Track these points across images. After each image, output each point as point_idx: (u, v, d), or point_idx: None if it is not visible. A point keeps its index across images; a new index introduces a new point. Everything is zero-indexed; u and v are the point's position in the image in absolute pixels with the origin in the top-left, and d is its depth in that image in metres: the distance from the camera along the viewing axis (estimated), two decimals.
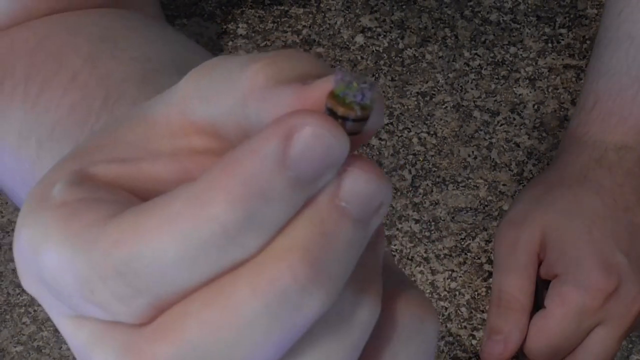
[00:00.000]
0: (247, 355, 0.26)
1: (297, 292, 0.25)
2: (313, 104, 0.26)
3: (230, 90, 0.28)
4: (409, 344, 0.29)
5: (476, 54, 0.87)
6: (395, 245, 0.79)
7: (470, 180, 0.82)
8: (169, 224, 0.25)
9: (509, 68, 0.87)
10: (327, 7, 0.89)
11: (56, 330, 0.75)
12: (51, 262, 0.27)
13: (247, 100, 0.27)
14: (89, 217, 0.27)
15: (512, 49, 0.88)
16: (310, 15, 0.89)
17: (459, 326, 0.76)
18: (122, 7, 0.57)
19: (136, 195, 0.29)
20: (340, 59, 0.86)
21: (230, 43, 0.87)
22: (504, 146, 0.83)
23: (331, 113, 0.26)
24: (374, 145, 0.83)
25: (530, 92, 0.85)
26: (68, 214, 0.27)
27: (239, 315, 0.25)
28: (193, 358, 0.26)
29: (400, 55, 0.87)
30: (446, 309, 0.77)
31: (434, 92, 0.85)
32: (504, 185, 0.81)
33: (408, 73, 0.86)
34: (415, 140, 0.83)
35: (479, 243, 0.79)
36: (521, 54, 0.87)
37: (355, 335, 0.27)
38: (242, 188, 0.25)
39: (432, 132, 0.84)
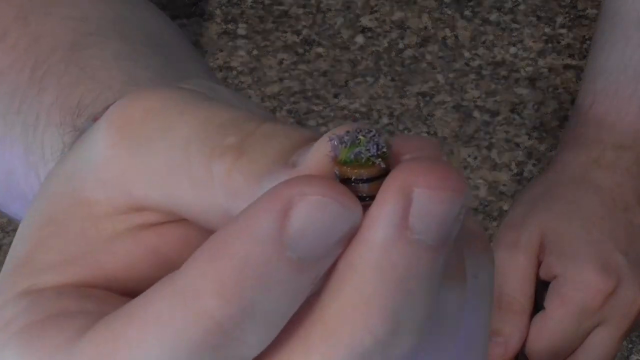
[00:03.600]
0: None
1: (381, 349, 0.22)
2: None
3: (192, 188, 0.24)
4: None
5: (476, 54, 0.87)
6: None
7: (470, 181, 0.82)
8: (154, 329, 0.22)
9: (509, 68, 0.87)
10: (327, 7, 0.89)
11: None
12: None
13: (222, 202, 0.24)
14: (55, 339, 0.23)
15: (512, 49, 0.88)
16: (310, 15, 0.89)
17: None
18: None
19: (110, 290, 0.25)
20: (340, 59, 0.86)
21: (230, 43, 0.87)
22: (504, 146, 0.83)
23: (343, 181, 0.22)
24: None
25: (530, 92, 0.85)
26: (29, 339, 0.23)
27: None
28: None
29: (400, 55, 0.87)
30: None
31: (434, 92, 0.85)
32: (504, 185, 0.81)
33: (408, 73, 0.86)
34: None
35: None
36: (521, 54, 0.87)
37: (444, 327, 0.24)
38: (235, 277, 0.21)
39: (432, 132, 0.84)
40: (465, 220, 0.23)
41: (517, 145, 0.83)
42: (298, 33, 0.88)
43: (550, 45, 0.88)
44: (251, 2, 0.89)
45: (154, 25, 0.44)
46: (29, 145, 0.38)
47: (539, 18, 0.89)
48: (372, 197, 0.22)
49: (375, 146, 0.22)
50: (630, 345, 0.77)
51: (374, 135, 0.22)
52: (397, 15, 0.89)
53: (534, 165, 0.82)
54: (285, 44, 0.87)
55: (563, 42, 0.88)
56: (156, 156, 0.24)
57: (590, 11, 0.90)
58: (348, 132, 0.23)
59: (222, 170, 0.23)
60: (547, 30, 0.89)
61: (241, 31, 0.88)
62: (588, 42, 0.88)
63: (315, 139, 0.23)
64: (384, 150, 0.22)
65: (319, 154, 0.23)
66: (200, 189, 0.24)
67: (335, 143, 0.22)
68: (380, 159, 0.22)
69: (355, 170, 0.22)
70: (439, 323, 0.23)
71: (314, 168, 0.22)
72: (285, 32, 0.88)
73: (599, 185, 0.73)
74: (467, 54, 0.87)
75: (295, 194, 0.21)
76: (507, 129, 0.84)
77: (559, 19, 0.89)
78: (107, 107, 0.27)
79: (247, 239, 0.21)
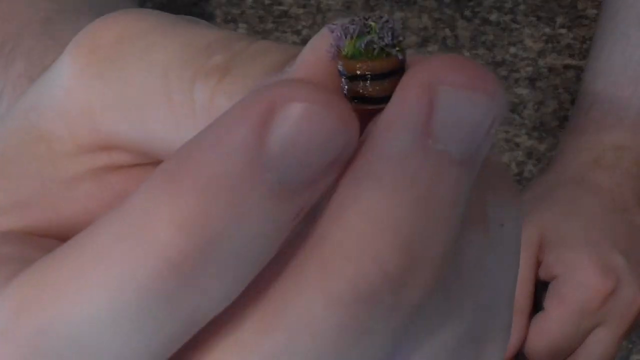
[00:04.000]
0: None
1: (390, 289, 0.17)
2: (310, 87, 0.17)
3: (171, 117, 0.20)
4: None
5: (476, 54, 0.87)
6: None
7: None
8: (93, 270, 0.17)
9: (509, 68, 0.86)
10: (327, 7, 0.89)
11: None
12: None
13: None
14: None
15: (512, 49, 0.87)
16: (310, 15, 0.89)
17: None
18: None
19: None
20: None
21: None
22: (504, 146, 0.83)
23: (351, 78, 0.18)
24: None
25: (530, 92, 0.85)
26: None
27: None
28: None
29: None
30: None
31: None
32: None
33: None
34: None
35: None
36: (521, 54, 0.87)
37: (463, 278, 0.20)
38: (197, 203, 0.16)
39: None
40: (491, 160, 0.20)
41: (517, 145, 0.83)
42: (298, 33, 0.88)
43: (550, 45, 0.88)
44: (251, 2, 0.89)
45: (128, 6, 0.39)
46: None
47: (539, 18, 0.89)
48: (386, 99, 0.18)
49: (390, 33, 0.18)
50: (630, 345, 0.77)
51: (387, 21, 0.18)
52: (397, 15, 0.89)
53: (534, 165, 0.82)
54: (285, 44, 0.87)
55: (563, 42, 0.88)
56: (130, 84, 0.20)
57: (590, 11, 0.89)
58: (353, 20, 0.18)
59: (204, 95, 0.19)
60: (547, 30, 0.88)
61: (241, 31, 0.88)
62: (588, 42, 0.87)
63: None
64: (400, 39, 0.18)
65: (316, 51, 0.18)
66: (180, 120, 0.20)
67: (339, 34, 0.18)
68: (397, 49, 0.18)
69: (368, 64, 0.18)
70: (458, 273, 0.20)
71: (311, 69, 0.18)
72: (285, 32, 0.88)
73: (599, 185, 0.73)
74: (467, 54, 0.87)
75: (279, 99, 0.17)
76: (507, 129, 0.84)
77: (559, 19, 0.89)
78: None
79: (216, 155, 0.17)
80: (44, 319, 0.17)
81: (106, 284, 0.17)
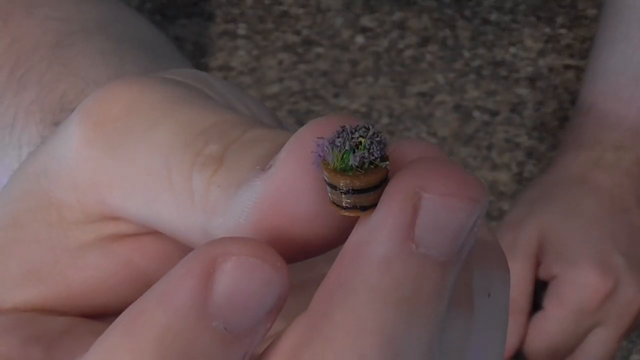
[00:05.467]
0: None
1: None
2: (293, 189, 0.19)
3: (173, 202, 0.21)
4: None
5: (476, 54, 0.87)
6: None
7: None
8: None
9: (509, 68, 0.86)
10: (327, 7, 0.89)
11: None
12: None
13: (201, 220, 0.21)
14: None
15: (512, 49, 0.87)
16: (310, 15, 0.89)
17: None
18: None
19: (79, 314, 0.22)
20: (340, 59, 0.86)
21: (230, 43, 0.87)
22: (504, 146, 0.83)
23: (337, 190, 0.19)
24: None
25: (530, 92, 0.85)
26: None
27: None
28: None
29: (400, 55, 0.87)
30: None
31: (434, 92, 0.85)
32: (504, 185, 0.81)
33: (408, 73, 0.86)
34: None
35: None
36: (521, 54, 0.87)
37: (446, 357, 0.20)
38: (153, 351, 0.18)
39: (432, 132, 0.84)
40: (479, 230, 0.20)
41: (517, 145, 0.83)
42: (298, 33, 0.88)
43: (550, 45, 0.88)
44: (251, 2, 0.89)
45: (137, 25, 0.42)
46: (4, 148, 0.35)
47: (539, 18, 0.89)
48: (372, 207, 0.19)
49: (378, 148, 0.19)
50: (630, 345, 0.77)
51: (374, 134, 0.19)
52: (397, 15, 0.89)
53: (534, 165, 0.82)
54: (285, 44, 0.87)
55: (563, 42, 0.88)
56: (134, 161, 0.22)
57: (590, 11, 0.90)
58: (340, 133, 0.18)
59: (202, 185, 0.20)
60: (547, 30, 0.88)
61: (241, 31, 0.88)
62: (588, 42, 0.87)
63: None
64: (387, 149, 0.19)
65: (295, 154, 0.19)
66: (181, 205, 0.21)
67: (326, 147, 0.18)
68: (387, 162, 0.19)
69: (356, 179, 0.18)
70: (443, 355, 0.20)
71: (291, 171, 0.19)
72: (285, 32, 0.88)
73: (599, 185, 0.73)
74: (467, 54, 0.87)
75: (220, 254, 0.19)
76: (507, 129, 0.84)
77: (559, 19, 0.89)
78: None
79: (167, 308, 0.18)
80: None
81: None
